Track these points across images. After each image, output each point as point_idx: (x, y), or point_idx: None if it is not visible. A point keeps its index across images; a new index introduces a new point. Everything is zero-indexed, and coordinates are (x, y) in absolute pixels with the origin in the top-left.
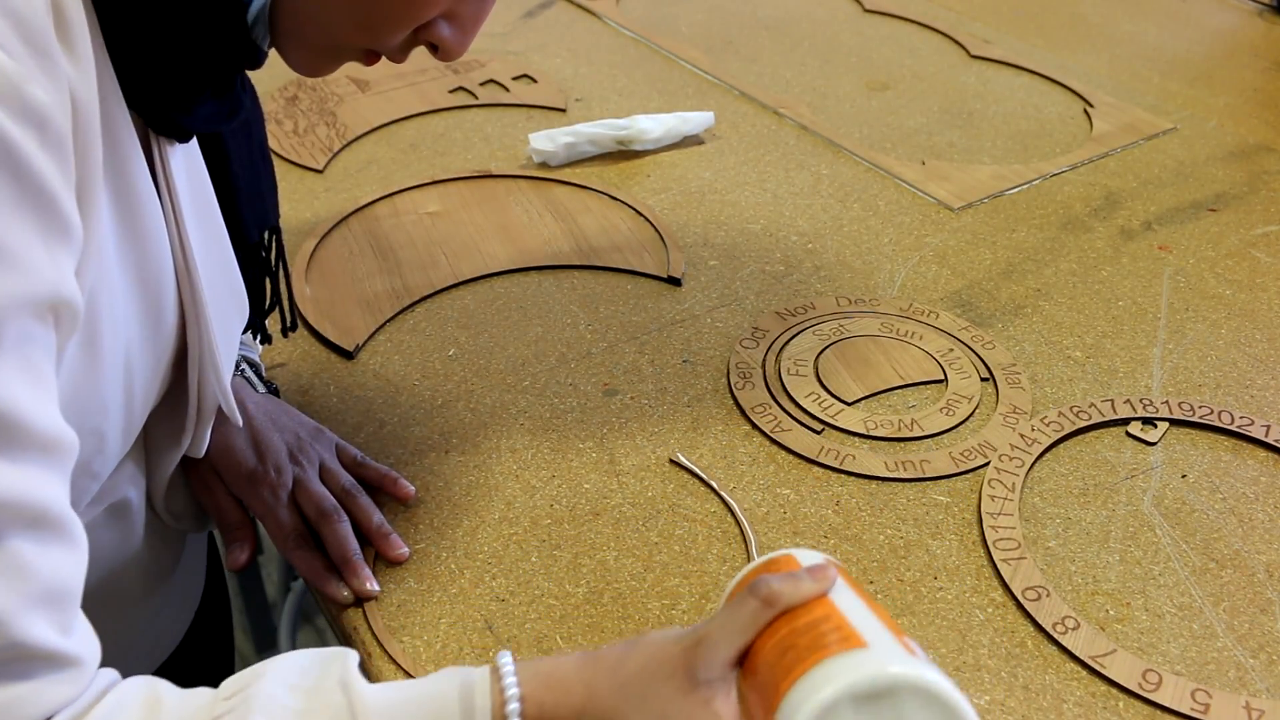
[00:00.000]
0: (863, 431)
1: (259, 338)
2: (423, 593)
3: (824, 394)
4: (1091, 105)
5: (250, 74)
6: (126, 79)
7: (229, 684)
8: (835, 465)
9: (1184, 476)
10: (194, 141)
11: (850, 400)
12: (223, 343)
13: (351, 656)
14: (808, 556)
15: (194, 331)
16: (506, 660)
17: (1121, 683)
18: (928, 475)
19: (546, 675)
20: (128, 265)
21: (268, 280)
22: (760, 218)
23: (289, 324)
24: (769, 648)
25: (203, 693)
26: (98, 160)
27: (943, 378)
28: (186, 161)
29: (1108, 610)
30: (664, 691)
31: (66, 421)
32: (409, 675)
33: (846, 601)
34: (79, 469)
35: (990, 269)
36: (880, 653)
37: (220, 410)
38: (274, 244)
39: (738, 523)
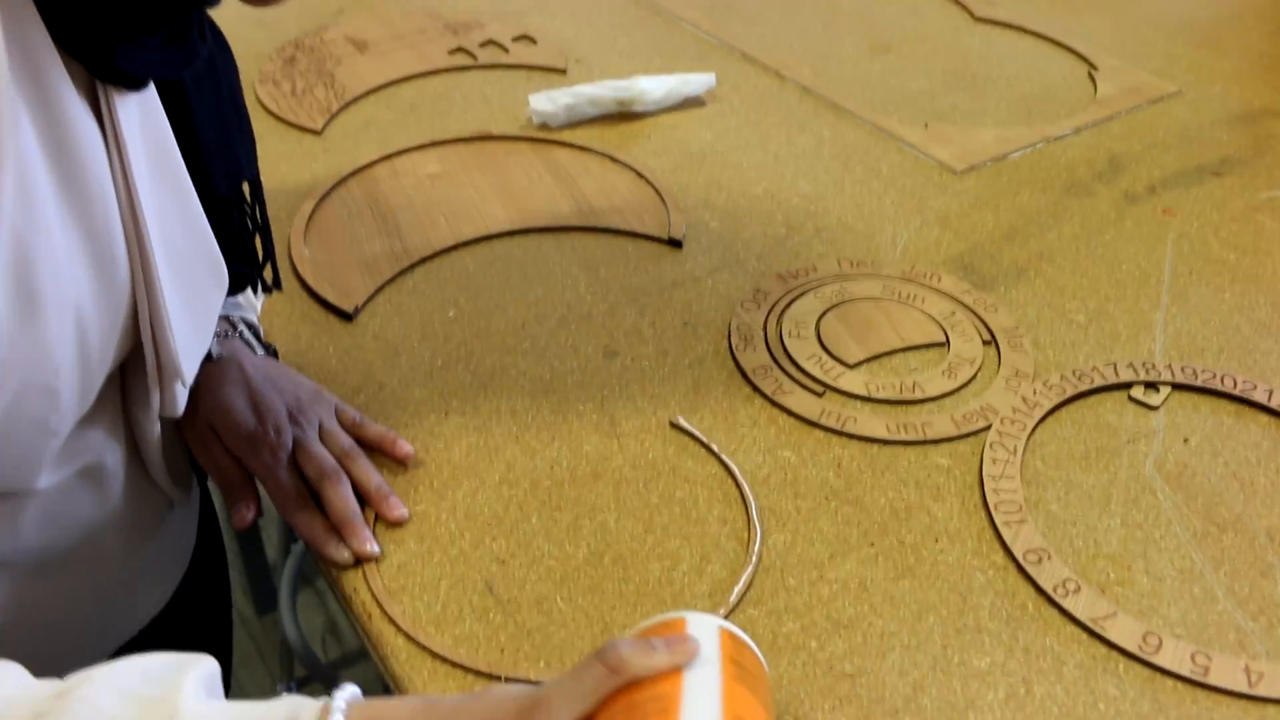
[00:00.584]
0: (864, 394)
1: (258, 292)
2: (423, 554)
3: (825, 356)
4: (1096, 68)
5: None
6: (54, 23)
7: (71, 678)
8: (836, 428)
9: (1186, 441)
10: (153, 92)
11: (852, 363)
12: (177, 299)
13: (201, 665)
14: (700, 622)
15: (141, 287)
16: (341, 698)
17: (1122, 645)
18: (929, 438)
19: (375, 718)
20: (71, 218)
21: (258, 236)
22: (762, 180)
23: (274, 281)
24: (603, 719)
25: (49, 684)
26: (6, 112)
27: (944, 341)
28: (142, 112)
29: (1108, 573)
30: None
31: (9, 378)
32: (409, 637)
33: (700, 680)
34: (35, 427)
35: (993, 232)
36: None
37: (213, 369)
38: (255, 199)
39: (738, 485)
